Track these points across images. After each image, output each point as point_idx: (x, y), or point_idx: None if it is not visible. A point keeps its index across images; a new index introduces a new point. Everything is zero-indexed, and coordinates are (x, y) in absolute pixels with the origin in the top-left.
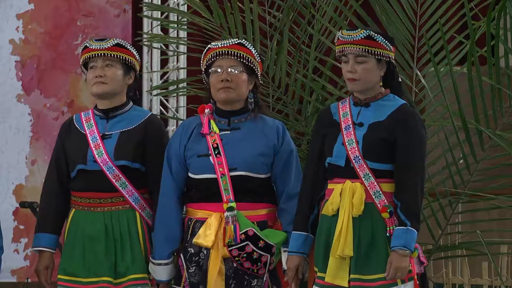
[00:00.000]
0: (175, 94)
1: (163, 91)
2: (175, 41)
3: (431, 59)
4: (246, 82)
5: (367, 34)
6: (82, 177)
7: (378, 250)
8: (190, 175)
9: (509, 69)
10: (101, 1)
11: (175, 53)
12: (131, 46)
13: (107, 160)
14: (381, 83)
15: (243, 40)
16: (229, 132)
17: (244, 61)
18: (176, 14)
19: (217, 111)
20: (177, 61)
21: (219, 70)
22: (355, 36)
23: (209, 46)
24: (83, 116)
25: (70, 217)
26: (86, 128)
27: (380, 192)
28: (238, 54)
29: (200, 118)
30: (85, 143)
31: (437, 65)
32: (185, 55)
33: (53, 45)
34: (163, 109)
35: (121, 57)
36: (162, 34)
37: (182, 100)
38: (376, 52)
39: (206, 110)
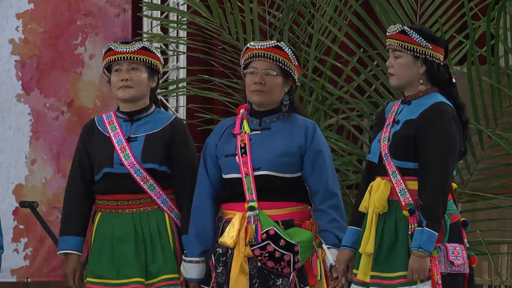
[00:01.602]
0: (175, 94)
1: (163, 90)
2: (175, 40)
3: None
4: (280, 85)
5: (401, 29)
6: (108, 180)
7: (399, 248)
8: (222, 175)
9: (509, 68)
10: (101, 1)
11: (175, 53)
12: (156, 49)
13: (134, 162)
14: (421, 81)
15: (281, 43)
16: (259, 132)
17: (280, 64)
18: (176, 14)
19: (251, 111)
20: (177, 61)
21: (254, 72)
22: (393, 30)
23: (247, 45)
24: (105, 118)
25: (97, 220)
26: (110, 131)
27: (405, 190)
28: (274, 58)
29: (235, 118)
30: (110, 146)
31: None
32: (185, 54)
33: (53, 44)
34: (163, 109)
35: (146, 61)
36: (162, 33)
37: (182, 100)
38: (409, 48)
39: (242, 110)
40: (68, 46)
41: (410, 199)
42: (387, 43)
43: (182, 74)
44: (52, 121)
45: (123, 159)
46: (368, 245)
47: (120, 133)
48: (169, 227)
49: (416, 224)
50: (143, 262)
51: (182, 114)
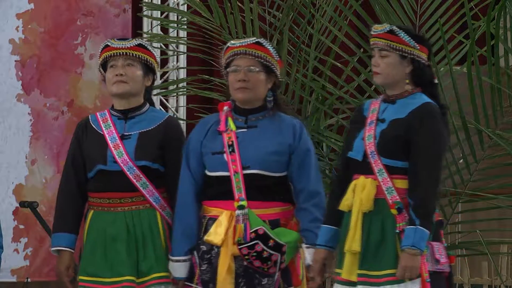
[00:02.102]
0: (175, 94)
1: (163, 90)
2: (175, 40)
3: (431, 58)
4: (264, 81)
5: (390, 29)
6: (101, 177)
7: (387, 246)
8: (206, 172)
9: (509, 68)
10: (101, 1)
11: (175, 53)
12: (152, 47)
13: (128, 160)
14: (407, 81)
15: (261, 39)
16: (245, 130)
17: (262, 60)
18: (176, 14)
19: (235, 108)
20: (177, 61)
21: (236, 69)
22: (379, 30)
23: (228, 44)
24: (99, 116)
25: (89, 218)
26: (104, 129)
27: (393, 188)
28: (256, 54)
29: (218, 115)
30: (104, 143)
31: (437, 64)
32: (185, 54)
33: (53, 44)
34: (163, 109)
35: (142, 58)
36: (162, 33)
37: (182, 100)
38: (397, 47)
39: (225, 108)
40: (68, 46)
41: (397, 197)
42: (372, 42)
43: (182, 74)
44: (52, 121)
45: (117, 156)
46: (354, 243)
47: (114, 131)
48: (161, 226)
49: (404, 223)
50: (134, 261)
51: (182, 114)
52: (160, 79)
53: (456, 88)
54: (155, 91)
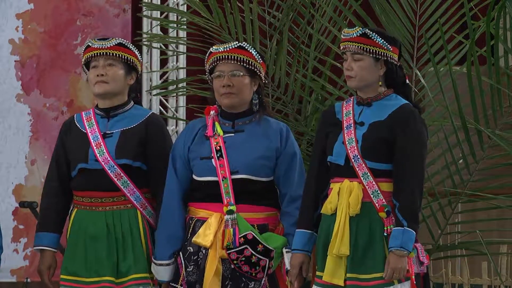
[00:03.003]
0: (175, 94)
1: (163, 91)
2: (175, 41)
3: (431, 58)
4: (248, 85)
5: (362, 32)
6: (83, 176)
7: (375, 249)
8: (194, 177)
9: (509, 69)
10: (101, 1)
11: (175, 53)
12: (133, 46)
13: (108, 158)
14: (380, 83)
15: (243, 42)
16: (233, 134)
17: (245, 64)
18: (175, 14)
19: (222, 113)
20: (177, 61)
21: (220, 75)
22: (352, 33)
23: (210, 50)
24: (84, 115)
25: (72, 216)
26: (87, 127)
27: (379, 192)
28: (239, 58)
29: (205, 120)
30: (86, 142)
31: (436, 64)
32: (185, 55)
33: (53, 44)
34: (162, 109)
35: (123, 57)
36: (161, 34)
37: (182, 100)
38: (371, 50)
39: (212, 112)
40: (68, 46)
41: (383, 200)
42: (343, 46)
43: (182, 74)
44: (52, 121)
45: (98, 155)
46: (342, 247)
47: (96, 129)
48: (142, 226)
49: (392, 226)
50: (114, 261)
51: (182, 114)
52: (160, 79)
53: (456, 88)
54: (154, 91)
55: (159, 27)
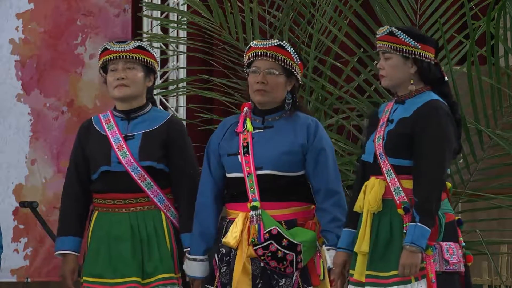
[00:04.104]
0: (175, 94)
1: (163, 90)
2: (175, 40)
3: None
4: (283, 84)
5: (389, 30)
6: (106, 178)
7: (394, 247)
8: (226, 174)
9: (509, 68)
10: (101, 1)
11: (175, 53)
12: (151, 48)
13: (132, 161)
14: (412, 81)
15: (283, 42)
16: (262, 130)
17: (282, 63)
18: (176, 14)
19: (254, 109)
20: (177, 61)
21: (256, 71)
22: (381, 32)
23: (250, 44)
24: (102, 118)
25: (94, 219)
26: (107, 130)
27: (400, 189)
28: (277, 57)
29: (239, 117)
30: (107, 144)
31: None
32: (185, 54)
33: (53, 44)
34: (162, 109)
35: (142, 60)
36: (162, 33)
37: (182, 100)
38: (398, 48)
39: (245, 109)
40: (68, 46)
41: (405, 197)
42: (377, 45)
43: (182, 74)
44: (52, 121)
45: (121, 157)
46: (363, 244)
47: (117, 132)
48: (166, 226)
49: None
50: (139, 262)
51: (182, 114)
52: (160, 79)
53: (456, 88)
54: (155, 91)
55: (159, 27)
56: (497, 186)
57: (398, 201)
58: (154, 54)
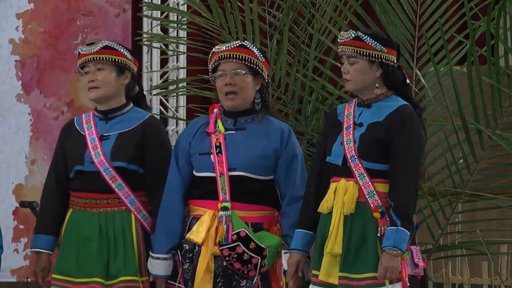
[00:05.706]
0: (175, 94)
1: (163, 90)
2: (175, 40)
3: (431, 58)
4: (251, 84)
5: (355, 35)
6: (80, 177)
7: (367, 249)
8: (194, 172)
9: (509, 68)
10: (101, 1)
11: (175, 53)
12: (120, 46)
13: (104, 161)
14: (377, 85)
15: (245, 41)
16: (234, 132)
17: (248, 63)
18: (176, 14)
19: (225, 111)
20: (177, 61)
21: (223, 74)
22: (346, 37)
23: (213, 49)
24: (84, 117)
25: (68, 217)
26: (86, 129)
27: (374, 192)
28: (241, 57)
29: (208, 117)
30: (84, 144)
31: (437, 64)
32: (185, 54)
33: (53, 44)
34: (163, 109)
35: (111, 59)
36: (162, 33)
37: (182, 100)
38: (364, 53)
39: (215, 110)
40: (68, 46)
41: (378, 201)
42: (340, 50)
43: (182, 74)
44: (52, 121)
45: (94, 157)
46: (335, 245)
47: (94, 132)
48: (134, 229)
49: (386, 226)
50: (104, 262)
51: (182, 114)
52: (160, 79)
53: (456, 88)
54: (154, 91)
55: (159, 27)
56: (497, 186)
57: (372, 205)
58: (124, 52)
